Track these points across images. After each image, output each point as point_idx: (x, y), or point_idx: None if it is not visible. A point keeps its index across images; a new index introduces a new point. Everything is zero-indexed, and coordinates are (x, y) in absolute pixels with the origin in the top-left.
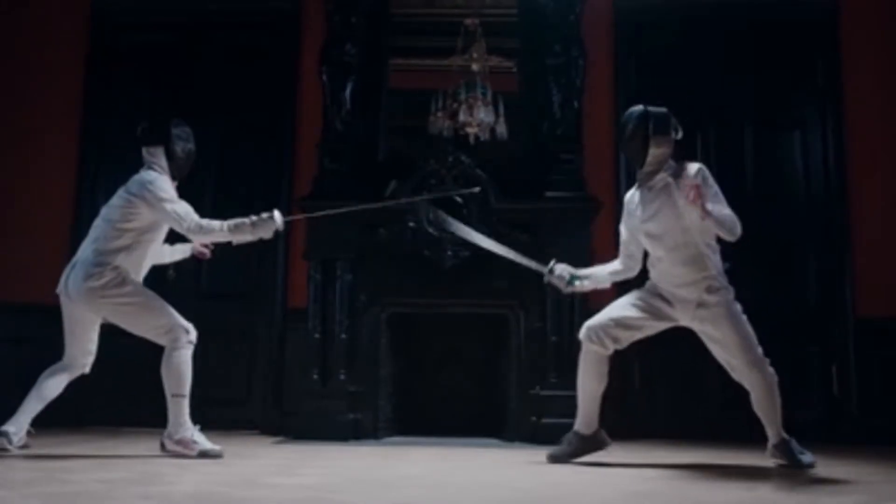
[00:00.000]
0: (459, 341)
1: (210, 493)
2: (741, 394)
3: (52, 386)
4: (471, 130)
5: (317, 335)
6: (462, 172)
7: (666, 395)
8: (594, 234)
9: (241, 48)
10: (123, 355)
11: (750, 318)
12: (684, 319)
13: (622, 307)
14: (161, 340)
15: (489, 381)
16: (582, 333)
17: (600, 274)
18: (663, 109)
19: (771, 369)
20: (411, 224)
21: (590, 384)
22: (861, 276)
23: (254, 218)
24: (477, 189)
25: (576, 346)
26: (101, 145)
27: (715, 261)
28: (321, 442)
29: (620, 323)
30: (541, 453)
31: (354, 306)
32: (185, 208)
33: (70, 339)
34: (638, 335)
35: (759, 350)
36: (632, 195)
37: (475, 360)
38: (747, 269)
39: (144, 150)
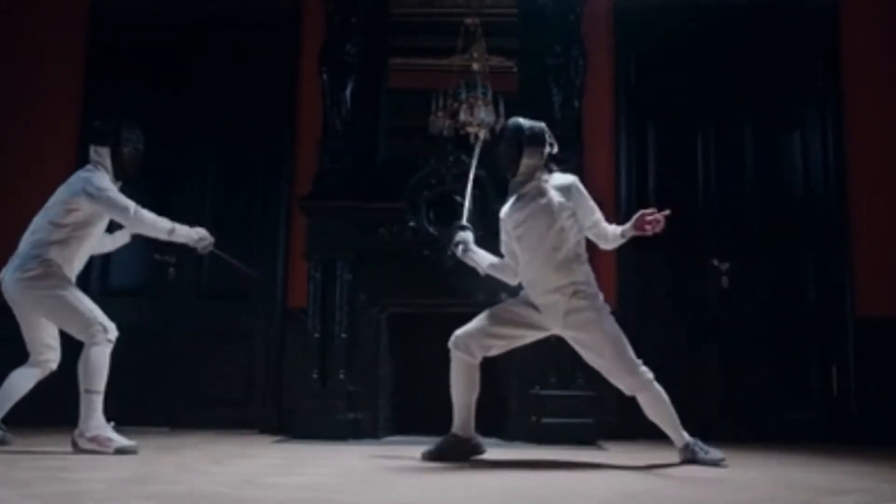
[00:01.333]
0: None
1: (210, 492)
2: (740, 395)
3: (19, 383)
4: (471, 130)
5: (316, 335)
6: (462, 172)
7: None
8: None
9: (241, 48)
10: (122, 355)
11: (750, 318)
12: (555, 327)
13: (491, 317)
14: (80, 336)
15: (489, 380)
16: (451, 341)
17: (482, 258)
18: (541, 123)
19: (645, 370)
20: (411, 224)
21: (461, 392)
22: (860, 276)
23: (185, 228)
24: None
25: None
26: None
27: (584, 268)
28: (321, 441)
29: (487, 333)
30: (541, 453)
31: (354, 306)
32: (123, 198)
33: (25, 334)
34: (508, 345)
35: (631, 354)
36: (506, 205)
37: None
38: (747, 269)
39: (91, 149)
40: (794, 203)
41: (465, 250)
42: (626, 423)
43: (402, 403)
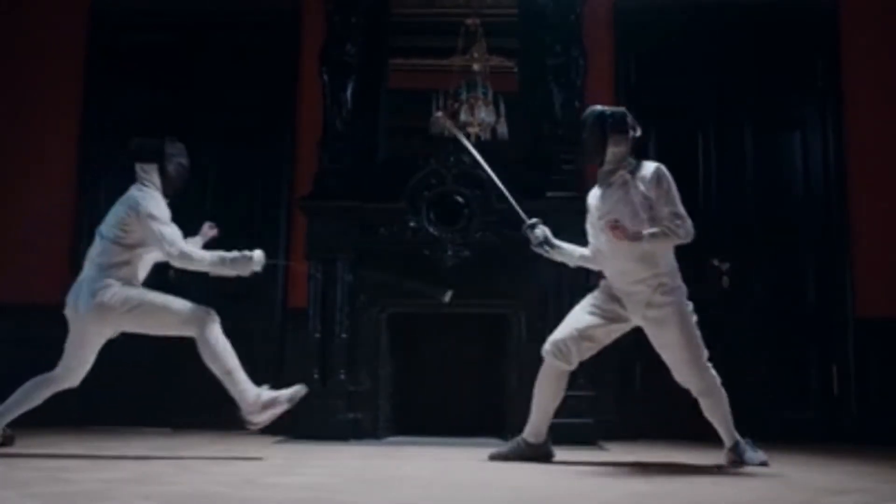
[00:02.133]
0: (459, 341)
1: (210, 492)
2: (740, 394)
3: (38, 392)
4: (472, 130)
5: (317, 335)
6: (463, 172)
7: (666, 395)
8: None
9: (241, 48)
10: (123, 355)
11: (750, 318)
12: (635, 318)
13: (581, 316)
14: (187, 331)
15: (489, 380)
16: (546, 348)
17: (571, 251)
18: (621, 109)
19: (713, 374)
20: (412, 224)
21: (546, 399)
22: (861, 276)
23: (235, 254)
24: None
25: None
26: (102, 146)
27: (667, 259)
28: (321, 441)
29: (585, 335)
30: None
31: (354, 306)
32: (172, 232)
33: (73, 355)
34: (598, 347)
35: (705, 355)
36: (592, 194)
37: (475, 359)
38: (747, 269)
39: (137, 167)
40: (795, 203)
41: (551, 247)
42: (627, 424)
43: (403, 403)
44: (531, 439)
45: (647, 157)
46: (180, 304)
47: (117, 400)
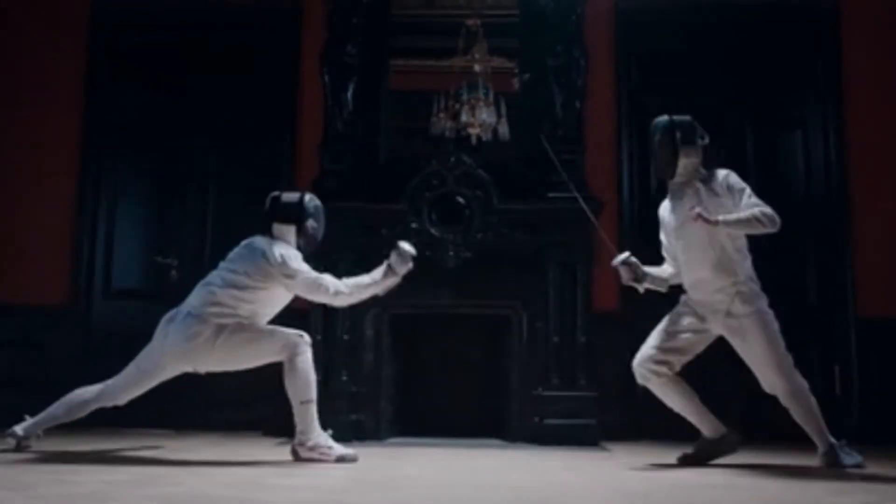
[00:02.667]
0: (461, 342)
1: (213, 494)
2: (742, 395)
3: (83, 409)
4: (473, 131)
5: (319, 336)
6: (464, 173)
7: None
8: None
9: (242, 48)
10: (126, 357)
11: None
12: (717, 328)
13: (663, 335)
14: (282, 357)
15: (491, 381)
16: (638, 378)
17: (660, 275)
18: (687, 118)
19: (801, 382)
20: (413, 225)
21: (682, 405)
22: (862, 275)
23: (388, 262)
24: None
25: (578, 347)
26: (102, 147)
27: (745, 266)
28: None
29: (665, 349)
30: (543, 454)
31: (356, 307)
32: (316, 274)
33: (139, 379)
34: (687, 357)
35: (789, 362)
36: (665, 205)
37: (477, 360)
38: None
39: (275, 226)
40: (796, 203)
41: (643, 279)
42: (629, 424)
43: (405, 404)
44: (710, 435)
45: (648, 159)
46: (277, 332)
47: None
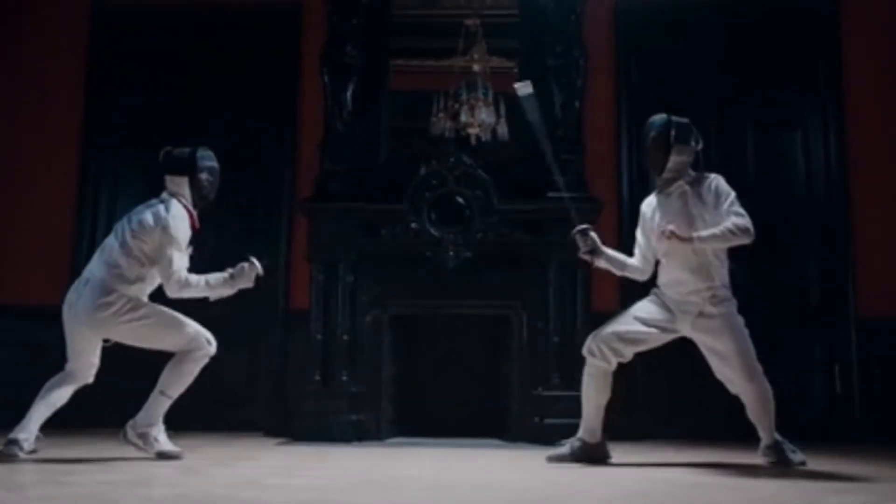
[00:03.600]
0: (461, 342)
1: (212, 494)
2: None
3: (59, 395)
4: (472, 131)
5: (319, 336)
6: (464, 173)
7: (666, 395)
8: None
9: (242, 49)
10: (124, 356)
11: (752, 319)
12: (684, 329)
13: (626, 320)
14: (180, 349)
15: (491, 381)
16: (585, 348)
17: (618, 259)
18: (685, 120)
19: (766, 383)
20: (413, 225)
21: (593, 397)
22: (862, 275)
23: (231, 271)
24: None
25: (578, 347)
26: (102, 147)
27: (722, 272)
28: (323, 443)
29: (623, 337)
30: (543, 454)
31: (356, 307)
32: (180, 261)
33: (73, 354)
34: (641, 348)
35: (755, 363)
36: (649, 201)
37: (477, 360)
38: (749, 269)
39: (168, 179)
40: (796, 203)
41: (599, 255)
42: (628, 424)
43: (405, 405)
44: (588, 438)
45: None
46: (191, 328)
47: (116, 402)
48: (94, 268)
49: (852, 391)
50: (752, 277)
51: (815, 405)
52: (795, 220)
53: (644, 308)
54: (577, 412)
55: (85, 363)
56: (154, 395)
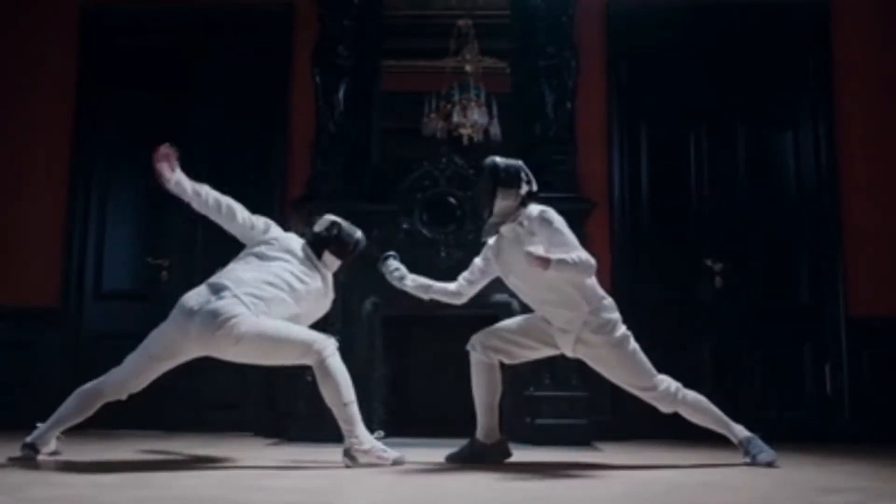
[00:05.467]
0: (453, 343)
1: (203, 496)
2: (733, 394)
3: (92, 407)
4: (464, 132)
5: None
6: (455, 174)
7: None
8: (587, 234)
9: (234, 50)
10: (116, 358)
11: (743, 318)
12: (567, 350)
13: (512, 323)
14: (307, 360)
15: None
16: (469, 343)
17: (424, 285)
18: (517, 162)
19: (669, 388)
20: (405, 226)
21: (481, 394)
22: (852, 275)
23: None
24: None
25: None
26: (94, 148)
27: (588, 295)
28: (316, 444)
29: (502, 336)
30: (536, 454)
31: (348, 308)
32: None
33: (143, 369)
34: (521, 354)
35: (647, 376)
36: (495, 240)
37: (469, 361)
38: (739, 268)
39: (326, 252)
40: (787, 203)
41: (402, 278)
42: (621, 424)
43: (397, 405)
44: (482, 438)
45: (640, 158)
46: (303, 332)
47: (110, 403)
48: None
49: (842, 390)
50: (742, 276)
51: (805, 404)
52: (785, 220)
53: (532, 319)
54: (568, 412)
55: (141, 381)
56: (337, 414)
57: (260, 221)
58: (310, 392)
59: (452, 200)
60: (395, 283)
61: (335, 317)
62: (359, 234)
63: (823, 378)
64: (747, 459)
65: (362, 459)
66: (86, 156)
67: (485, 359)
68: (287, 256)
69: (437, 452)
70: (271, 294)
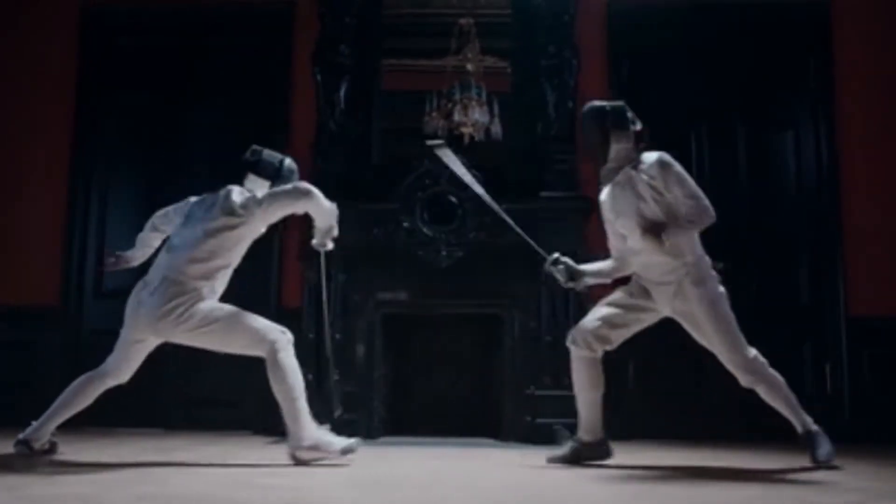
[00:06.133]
0: (454, 341)
1: (202, 494)
2: (734, 393)
3: (88, 395)
4: (465, 131)
5: (311, 335)
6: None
7: (661, 394)
8: (588, 233)
9: (234, 49)
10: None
11: (743, 317)
12: (664, 309)
13: (606, 306)
14: (258, 352)
15: (483, 381)
16: (568, 339)
17: (600, 271)
18: (620, 103)
19: (760, 360)
20: (406, 224)
21: (585, 391)
22: (853, 274)
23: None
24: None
25: None
26: (94, 147)
27: (692, 248)
28: None
29: (607, 321)
30: (536, 453)
31: (349, 307)
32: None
33: (123, 355)
34: (626, 333)
35: (741, 343)
36: (603, 192)
37: (469, 360)
38: (739, 268)
39: (250, 177)
40: (787, 203)
41: (580, 277)
42: (620, 423)
43: (397, 404)
44: (586, 437)
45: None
46: (259, 323)
47: (108, 401)
48: (156, 269)
49: (842, 390)
50: (743, 276)
51: (805, 404)
52: (785, 220)
53: (623, 293)
54: (569, 412)
55: (130, 367)
56: (284, 409)
57: (172, 210)
58: (310, 391)
59: (453, 199)
60: (572, 286)
61: (336, 316)
62: (286, 160)
63: (823, 378)
64: (805, 445)
65: (306, 457)
66: (86, 156)
67: (587, 353)
68: (185, 221)
69: (437, 452)
70: (202, 269)
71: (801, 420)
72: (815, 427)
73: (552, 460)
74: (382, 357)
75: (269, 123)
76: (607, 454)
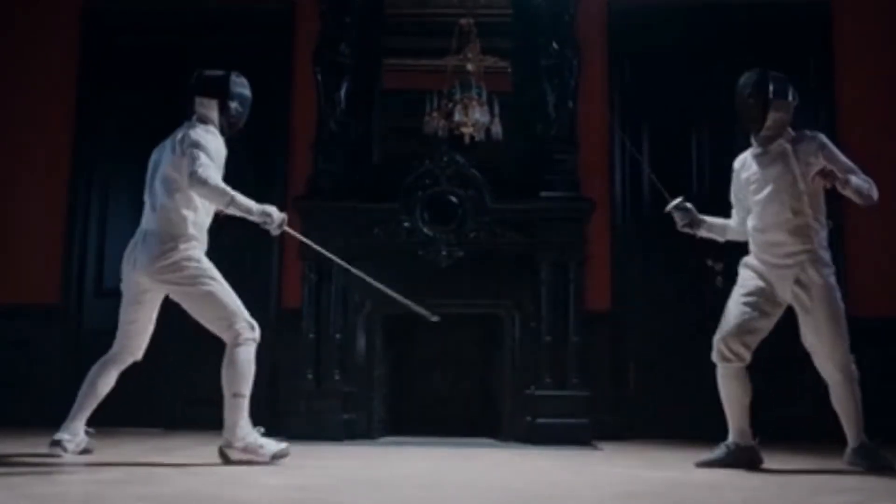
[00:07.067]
0: (454, 341)
1: (202, 493)
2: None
3: (106, 381)
4: (466, 131)
5: (311, 335)
6: (457, 172)
7: (661, 395)
8: (588, 233)
9: (235, 49)
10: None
11: None
12: (786, 297)
13: (739, 312)
14: (222, 334)
15: (483, 381)
16: (715, 354)
17: (719, 225)
18: (782, 74)
19: (854, 368)
20: (406, 224)
21: (736, 398)
22: (853, 276)
23: (266, 207)
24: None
25: (570, 347)
26: (94, 145)
27: (822, 235)
28: (315, 442)
29: (749, 329)
30: (535, 453)
31: (348, 307)
32: (208, 162)
33: (130, 325)
34: (764, 333)
35: (846, 343)
36: (744, 159)
37: (469, 360)
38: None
39: (197, 100)
40: None
41: (699, 225)
42: (621, 424)
43: (397, 404)
44: (739, 441)
45: (641, 157)
46: (235, 307)
47: (108, 400)
48: (146, 220)
49: None
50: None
51: (805, 403)
52: None
53: (745, 292)
54: (568, 412)
55: (142, 338)
56: (226, 402)
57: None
58: (310, 391)
59: (453, 199)
60: (687, 231)
61: (335, 315)
62: (232, 74)
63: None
64: (853, 461)
65: (234, 457)
66: (86, 155)
67: (739, 364)
68: (155, 174)
69: (437, 452)
70: (180, 215)
71: (856, 435)
72: (866, 441)
73: (702, 464)
74: (382, 357)
75: (270, 123)
76: (759, 460)
